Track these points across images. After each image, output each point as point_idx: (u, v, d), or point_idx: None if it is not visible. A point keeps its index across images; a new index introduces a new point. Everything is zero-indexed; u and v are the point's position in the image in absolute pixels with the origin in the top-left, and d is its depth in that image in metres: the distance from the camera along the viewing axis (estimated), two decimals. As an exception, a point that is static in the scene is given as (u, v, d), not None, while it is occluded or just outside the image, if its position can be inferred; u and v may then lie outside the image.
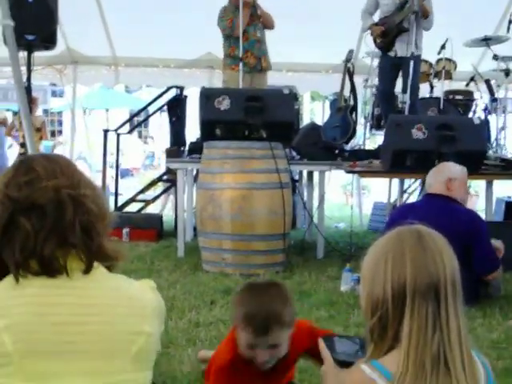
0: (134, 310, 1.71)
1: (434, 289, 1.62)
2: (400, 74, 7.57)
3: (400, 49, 7.44)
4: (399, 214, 5.25)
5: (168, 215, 9.49)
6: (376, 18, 7.76)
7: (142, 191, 9.54)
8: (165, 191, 9.48)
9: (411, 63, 7.09)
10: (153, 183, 9.68)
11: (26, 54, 6.80)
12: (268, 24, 7.79)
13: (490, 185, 6.79)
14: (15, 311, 1.60)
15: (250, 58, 7.57)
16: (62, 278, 1.66)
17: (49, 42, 6.78)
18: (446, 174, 5.04)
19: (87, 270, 1.68)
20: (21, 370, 1.57)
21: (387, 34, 7.55)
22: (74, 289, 1.66)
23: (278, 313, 2.39)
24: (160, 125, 26.88)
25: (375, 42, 7.75)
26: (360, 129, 9.62)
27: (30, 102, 6.81)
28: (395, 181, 8.16)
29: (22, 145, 8.27)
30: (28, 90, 6.76)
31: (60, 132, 27.92)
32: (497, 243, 5.09)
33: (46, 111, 21.26)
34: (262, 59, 7.78)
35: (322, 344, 1.86)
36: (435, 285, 1.62)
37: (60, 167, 1.75)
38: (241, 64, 7.30)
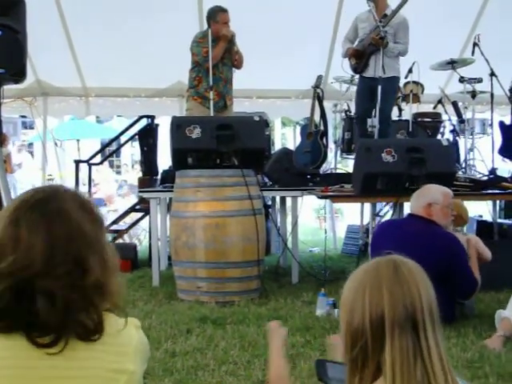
0: (117, 348, 1.69)
1: (411, 320, 1.64)
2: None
3: (374, 70, 7.53)
4: (381, 232, 5.44)
5: (142, 245, 9.46)
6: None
7: (115, 221, 9.51)
8: (138, 221, 9.45)
9: (379, 87, 7.18)
10: (126, 213, 9.65)
11: (-5, 87, 6.80)
12: (239, 64, 7.70)
13: (460, 205, 6.87)
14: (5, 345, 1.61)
15: (213, 94, 7.37)
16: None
17: (18, 75, 6.76)
18: (426, 199, 5.12)
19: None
20: None
21: (361, 55, 7.65)
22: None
23: None
24: (132, 154, 26.83)
25: (351, 64, 7.85)
26: (331, 153, 9.70)
27: (1, 135, 6.79)
28: (368, 203, 8.22)
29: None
30: (-2, 123, 6.73)
31: (31, 164, 27.74)
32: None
33: (13, 143, 21.12)
34: (226, 98, 7.73)
35: None
36: (412, 316, 1.64)
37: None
38: (211, 93, 7.29)
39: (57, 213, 1.66)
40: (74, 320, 1.62)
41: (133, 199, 16.73)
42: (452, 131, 8.99)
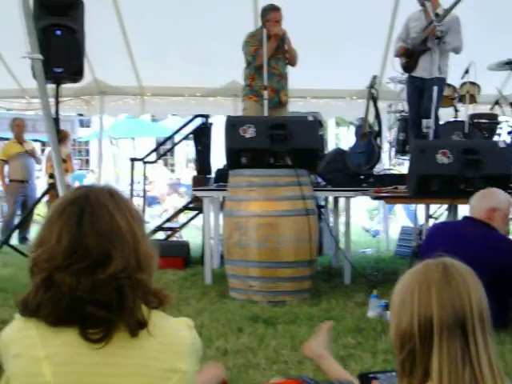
0: (170, 347, 1.72)
1: (460, 323, 1.60)
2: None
3: (422, 70, 7.47)
4: (435, 233, 5.29)
5: (195, 243, 9.53)
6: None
7: (169, 219, 9.61)
8: (192, 219, 9.53)
9: (434, 88, 7.09)
10: (179, 211, 9.74)
11: (54, 85, 6.95)
12: (292, 60, 7.69)
13: (516, 208, 6.75)
14: (57, 342, 1.63)
15: (268, 91, 7.41)
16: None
17: (76, 74, 6.91)
18: (491, 203, 4.90)
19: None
20: None
21: (411, 53, 7.58)
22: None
23: None
24: (186, 153, 27.01)
25: (401, 63, 7.79)
26: (385, 154, 9.63)
27: (59, 133, 6.93)
28: (422, 205, 8.13)
29: (51, 175, 8.36)
30: (56, 121, 6.88)
31: (87, 161, 28.21)
32: None
33: (73, 141, 21.48)
34: (281, 93, 7.72)
35: None
36: (462, 320, 1.60)
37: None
38: (265, 92, 7.32)
39: (91, 209, 1.71)
40: (118, 314, 1.65)
41: (175, 197, 17.00)
42: (509, 133, 8.84)
